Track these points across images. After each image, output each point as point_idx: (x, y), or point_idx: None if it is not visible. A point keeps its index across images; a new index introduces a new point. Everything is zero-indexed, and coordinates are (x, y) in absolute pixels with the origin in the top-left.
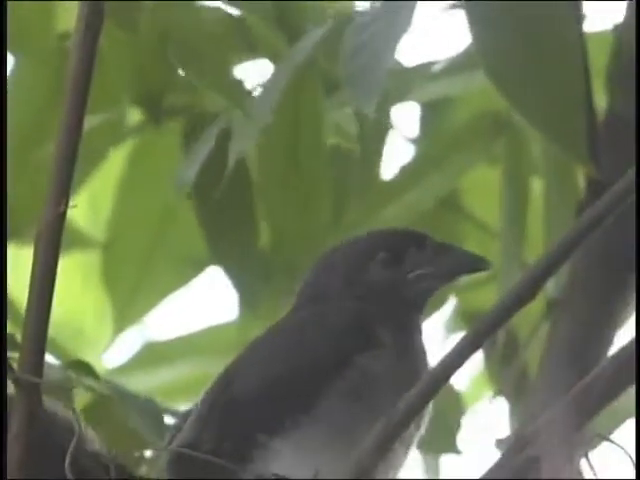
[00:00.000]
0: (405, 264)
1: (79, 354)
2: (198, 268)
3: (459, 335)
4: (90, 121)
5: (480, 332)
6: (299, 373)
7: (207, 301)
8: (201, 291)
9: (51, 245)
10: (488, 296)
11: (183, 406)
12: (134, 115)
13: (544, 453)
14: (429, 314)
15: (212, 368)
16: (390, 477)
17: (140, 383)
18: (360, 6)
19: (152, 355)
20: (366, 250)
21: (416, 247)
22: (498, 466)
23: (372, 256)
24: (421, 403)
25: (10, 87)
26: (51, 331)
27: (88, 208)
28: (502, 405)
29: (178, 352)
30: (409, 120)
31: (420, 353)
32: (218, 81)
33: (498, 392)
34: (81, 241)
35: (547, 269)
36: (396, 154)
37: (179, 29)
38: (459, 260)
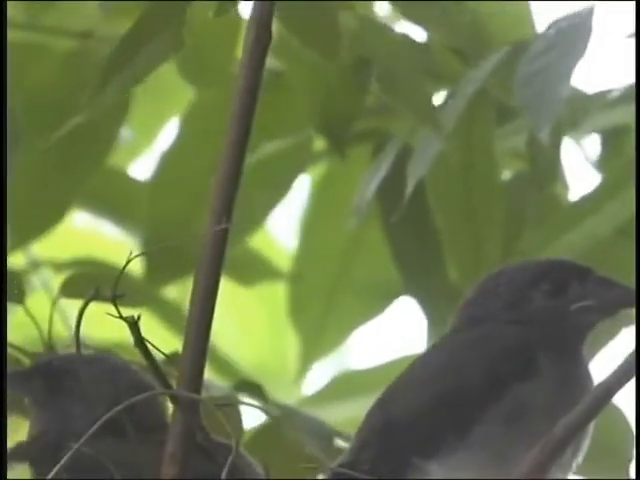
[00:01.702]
0: (568, 295)
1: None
2: (387, 299)
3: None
4: (276, 145)
5: None
6: (457, 397)
7: (399, 331)
8: (393, 321)
9: (212, 265)
10: None
11: None
12: (320, 142)
13: None
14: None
15: None
16: None
17: (330, 415)
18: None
19: (344, 386)
20: (531, 278)
21: (579, 279)
22: None
23: (536, 285)
24: (581, 424)
25: (194, 113)
26: (239, 366)
27: (276, 238)
28: None
29: (370, 384)
30: (589, 148)
31: (582, 383)
32: (421, 108)
33: None
34: (269, 273)
35: None
36: (577, 181)
37: (375, 55)
38: (622, 294)
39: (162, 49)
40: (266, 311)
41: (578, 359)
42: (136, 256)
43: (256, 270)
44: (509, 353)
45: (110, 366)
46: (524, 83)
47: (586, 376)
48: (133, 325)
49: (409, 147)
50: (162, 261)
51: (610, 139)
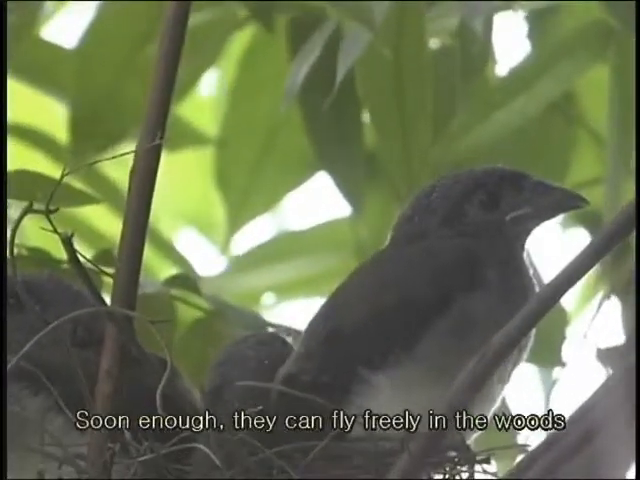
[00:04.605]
0: (502, 206)
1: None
2: (311, 169)
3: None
4: (202, 15)
5: (587, 258)
6: (404, 309)
7: (322, 199)
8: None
9: (145, 180)
10: (601, 195)
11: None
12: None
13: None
14: None
15: (327, 264)
16: (486, 410)
17: (254, 280)
18: None
19: (278, 247)
20: (464, 192)
21: (513, 187)
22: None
23: (469, 198)
24: (528, 326)
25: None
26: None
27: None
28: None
29: (295, 248)
30: (519, 27)
31: (526, 291)
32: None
33: (609, 294)
34: (196, 139)
35: None
36: (507, 60)
37: None
38: (556, 199)
39: None
40: (197, 175)
41: (522, 268)
42: (70, 172)
43: (184, 136)
44: (454, 266)
45: (74, 292)
46: None
47: (529, 286)
48: (67, 241)
49: (340, 31)
50: (88, 131)
51: (539, 17)
